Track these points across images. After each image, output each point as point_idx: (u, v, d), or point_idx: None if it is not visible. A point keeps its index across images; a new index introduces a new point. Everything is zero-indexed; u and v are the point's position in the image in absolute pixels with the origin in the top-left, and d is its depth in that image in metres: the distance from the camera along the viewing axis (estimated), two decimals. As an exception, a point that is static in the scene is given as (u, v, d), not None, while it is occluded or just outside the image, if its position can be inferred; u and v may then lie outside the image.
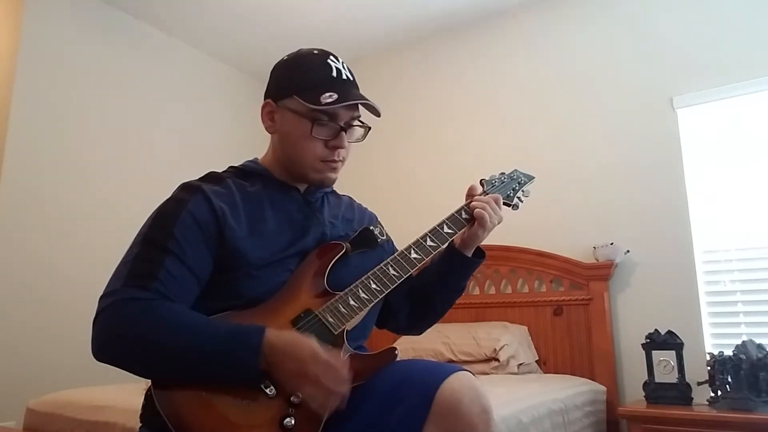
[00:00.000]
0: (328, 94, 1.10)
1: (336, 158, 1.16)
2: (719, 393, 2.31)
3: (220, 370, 0.93)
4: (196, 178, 1.15)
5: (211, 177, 1.15)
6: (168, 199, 1.09)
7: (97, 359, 0.96)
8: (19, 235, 2.78)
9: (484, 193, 1.30)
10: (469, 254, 1.26)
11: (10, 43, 2.90)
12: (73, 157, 3.04)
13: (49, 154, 2.94)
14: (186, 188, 1.10)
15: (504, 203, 1.30)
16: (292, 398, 0.96)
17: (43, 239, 2.87)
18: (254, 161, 1.23)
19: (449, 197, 3.41)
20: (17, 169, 2.81)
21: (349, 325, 1.07)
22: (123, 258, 1.02)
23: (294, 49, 1.24)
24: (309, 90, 1.12)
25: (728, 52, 2.75)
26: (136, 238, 1.04)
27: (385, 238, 1.30)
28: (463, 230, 1.23)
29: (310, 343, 0.94)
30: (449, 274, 1.27)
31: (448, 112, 3.58)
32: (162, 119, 3.54)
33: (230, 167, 1.22)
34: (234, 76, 4.06)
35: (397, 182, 3.67)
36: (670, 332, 2.50)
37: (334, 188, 1.30)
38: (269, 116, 1.18)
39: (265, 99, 1.20)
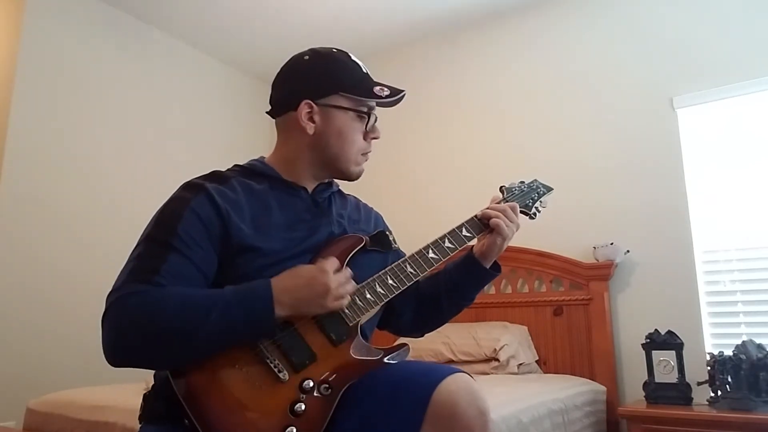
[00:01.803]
0: (378, 88, 1.17)
1: (371, 150, 1.22)
2: (719, 393, 2.31)
3: (237, 329, 0.94)
4: (199, 176, 1.12)
5: (215, 176, 1.11)
6: (170, 198, 1.06)
7: (111, 362, 0.93)
8: (18, 236, 2.78)
9: (504, 200, 1.30)
10: (488, 266, 1.26)
11: (10, 43, 2.90)
12: (72, 157, 3.04)
13: (49, 154, 2.94)
14: (189, 187, 1.07)
15: (522, 212, 1.30)
16: (303, 384, 0.96)
17: (43, 239, 2.87)
18: (260, 160, 1.20)
19: (449, 196, 3.39)
20: (17, 169, 2.81)
21: (363, 319, 1.07)
22: (127, 258, 1.01)
23: (295, 50, 1.22)
24: (355, 86, 1.16)
25: (728, 52, 2.75)
26: (139, 239, 1.03)
27: (396, 246, 1.30)
28: (481, 235, 1.23)
29: (307, 266, 1.01)
30: (464, 282, 1.27)
31: (448, 112, 3.58)
32: (162, 119, 3.54)
33: (235, 165, 1.19)
34: (235, 77, 4.06)
35: (398, 182, 3.66)
36: (670, 332, 2.50)
37: (340, 188, 1.30)
38: (308, 117, 1.15)
39: (296, 101, 1.14)
